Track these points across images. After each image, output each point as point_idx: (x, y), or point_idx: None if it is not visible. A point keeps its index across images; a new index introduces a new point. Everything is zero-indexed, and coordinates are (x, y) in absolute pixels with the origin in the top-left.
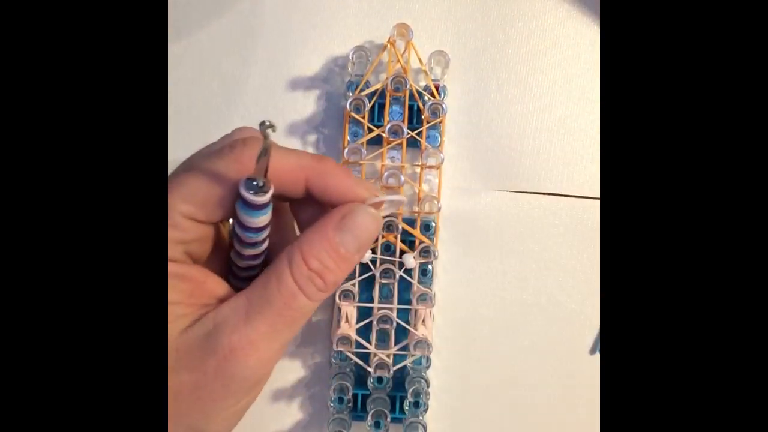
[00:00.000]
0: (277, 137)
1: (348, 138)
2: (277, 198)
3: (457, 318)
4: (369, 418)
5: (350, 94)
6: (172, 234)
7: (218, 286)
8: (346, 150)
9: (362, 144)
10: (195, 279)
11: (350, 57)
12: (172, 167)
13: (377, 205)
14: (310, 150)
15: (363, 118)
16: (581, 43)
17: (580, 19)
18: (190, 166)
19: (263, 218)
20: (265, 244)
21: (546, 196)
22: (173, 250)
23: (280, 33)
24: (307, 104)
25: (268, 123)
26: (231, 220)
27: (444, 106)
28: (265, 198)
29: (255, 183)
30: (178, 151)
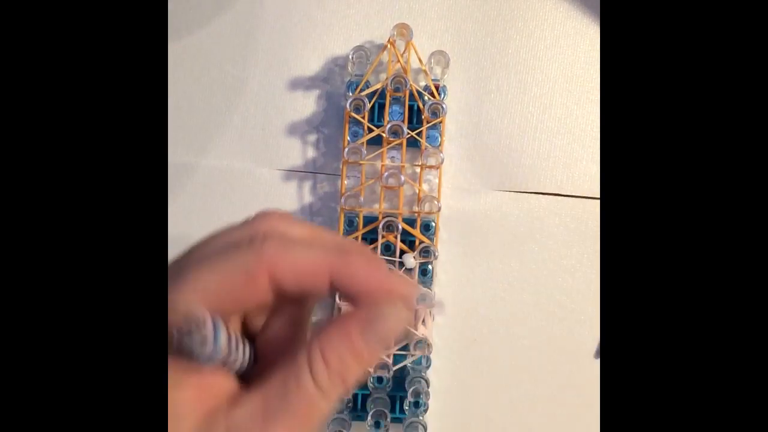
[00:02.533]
0: (277, 137)
1: (348, 138)
2: (297, 296)
3: (457, 318)
4: (369, 418)
5: (350, 94)
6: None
7: (226, 381)
8: (346, 150)
9: (362, 144)
10: (203, 383)
11: (350, 57)
12: (172, 168)
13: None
14: (310, 150)
15: (363, 118)
16: (581, 43)
17: (580, 19)
18: (204, 256)
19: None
20: (239, 362)
21: (546, 196)
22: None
23: (280, 33)
24: (307, 104)
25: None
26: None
27: (444, 106)
28: (210, 351)
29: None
30: (178, 152)
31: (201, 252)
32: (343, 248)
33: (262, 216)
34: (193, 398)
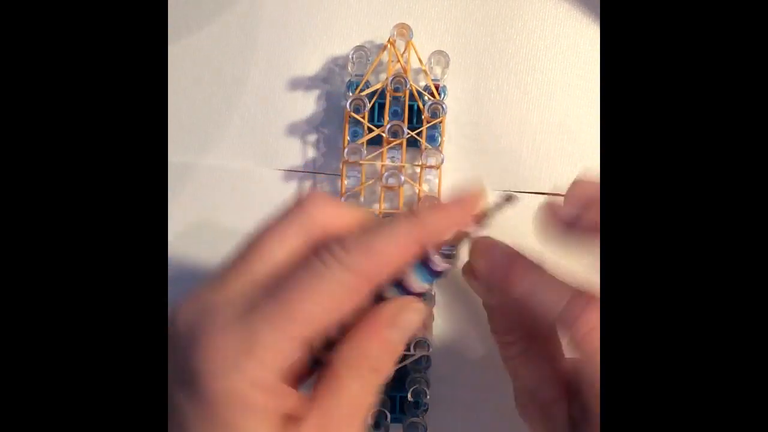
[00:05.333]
0: (277, 137)
1: (348, 138)
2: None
3: (457, 318)
4: (369, 418)
5: (350, 94)
6: (281, 364)
7: (300, 404)
8: (346, 150)
9: (362, 144)
10: (286, 410)
11: (350, 57)
12: (172, 168)
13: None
14: (311, 150)
15: (363, 118)
16: (581, 43)
17: (580, 19)
18: (294, 280)
19: (431, 285)
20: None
21: (546, 196)
22: (275, 380)
23: (279, 33)
24: (307, 104)
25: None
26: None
27: (444, 106)
28: (451, 264)
29: (447, 248)
30: (178, 152)
31: (269, 266)
32: (410, 215)
33: (310, 204)
34: (269, 425)
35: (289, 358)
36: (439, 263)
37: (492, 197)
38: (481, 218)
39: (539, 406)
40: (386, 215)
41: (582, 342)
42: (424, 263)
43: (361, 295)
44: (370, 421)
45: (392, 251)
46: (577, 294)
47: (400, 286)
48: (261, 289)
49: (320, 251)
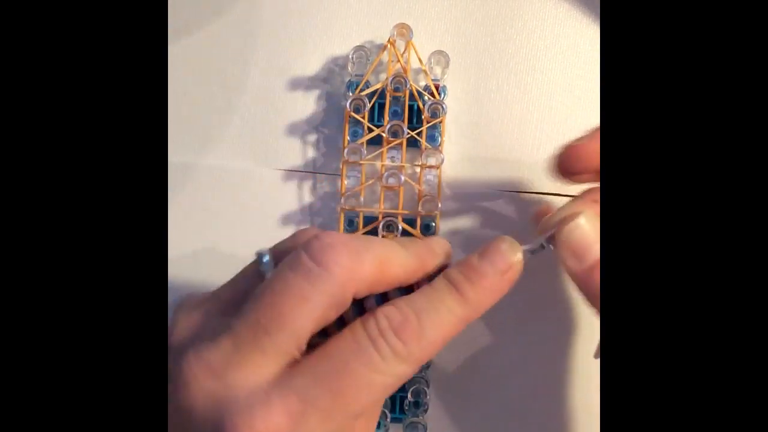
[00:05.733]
0: (277, 137)
1: (348, 138)
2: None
3: None
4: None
5: (350, 94)
6: (291, 349)
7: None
8: (346, 150)
9: (362, 144)
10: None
11: (350, 57)
12: (172, 168)
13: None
14: (310, 150)
15: (363, 118)
16: (581, 43)
17: (580, 19)
18: (348, 370)
19: None
20: None
21: (546, 196)
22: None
23: (279, 33)
24: (307, 104)
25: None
26: None
27: (444, 106)
28: None
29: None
30: (178, 152)
31: (293, 337)
32: (466, 301)
33: (337, 269)
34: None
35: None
36: None
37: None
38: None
39: None
40: (386, 215)
41: None
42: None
43: (345, 303)
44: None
45: (446, 332)
46: None
47: (359, 310)
48: (297, 367)
49: (375, 341)
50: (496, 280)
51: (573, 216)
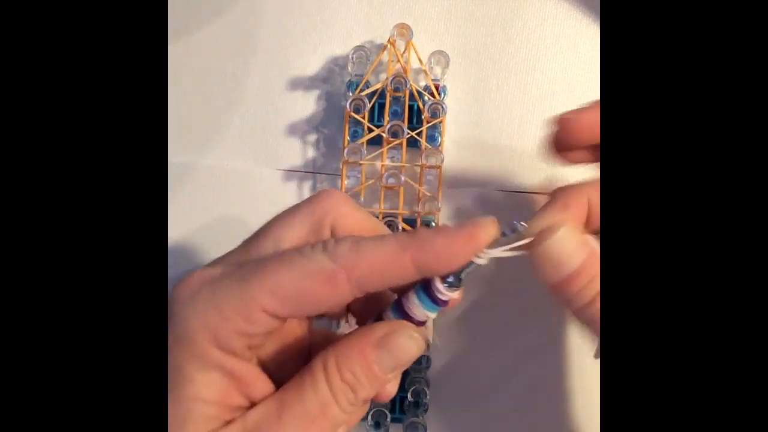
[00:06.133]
0: (277, 137)
1: (348, 138)
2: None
3: (457, 318)
4: (369, 418)
5: (350, 94)
6: (242, 326)
7: (261, 387)
8: (346, 150)
9: (362, 144)
10: (241, 379)
11: (350, 57)
12: (171, 167)
13: (419, 329)
14: (310, 150)
15: (363, 118)
16: (581, 43)
17: (580, 19)
18: (278, 252)
19: (434, 314)
20: None
21: (546, 196)
22: (236, 342)
23: (280, 33)
24: (307, 104)
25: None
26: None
27: (444, 106)
28: (455, 294)
29: (452, 277)
30: (178, 152)
31: (270, 244)
32: (412, 233)
33: (325, 197)
34: (222, 387)
35: (252, 325)
36: (441, 291)
37: (500, 229)
38: (486, 249)
39: None
40: (386, 215)
41: None
42: (427, 289)
43: (335, 287)
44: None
45: (379, 255)
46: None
47: (401, 310)
48: (254, 260)
49: (316, 242)
50: (457, 233)
51: (553, 229)
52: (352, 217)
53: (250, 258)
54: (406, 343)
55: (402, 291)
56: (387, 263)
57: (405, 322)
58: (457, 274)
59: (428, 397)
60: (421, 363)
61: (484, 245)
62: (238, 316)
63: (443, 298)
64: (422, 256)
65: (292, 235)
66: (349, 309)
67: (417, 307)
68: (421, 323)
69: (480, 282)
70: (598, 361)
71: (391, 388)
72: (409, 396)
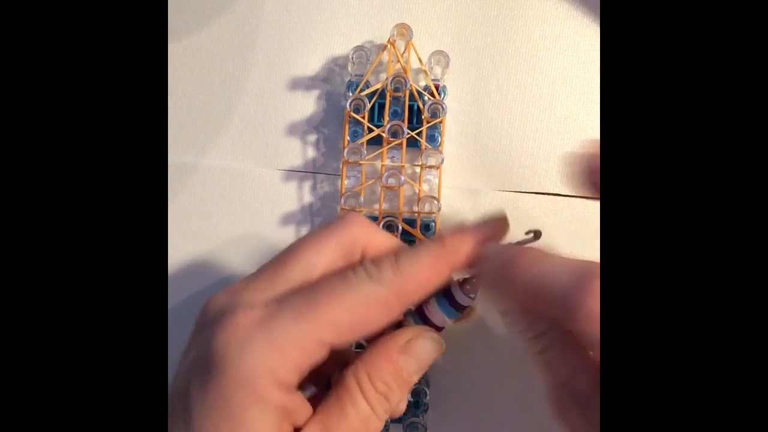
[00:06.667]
0: (277, 137)
1: (348, 138)
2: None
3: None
4: None
5: (350, 94)
6: (301, 361)
7: (303, 411)
8: (346, 150)
9: (362, 144)
10: (292, 411)
11: (350, 57)
12: (171, 168)
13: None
14: (310, 150)
15: (363, 118)
16: (581, 43)
17: (580, 19)
18: (327, 285)
19: (452, 321)
20: None
21: (546, 196)
22: (294, 378)
23: (279, 33)
24: (307, 104)
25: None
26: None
27: (444, 106)
28: (472, 300)
29: (470, 285)
30: (178, 152)
31: (306, 269)
32: (439, 241)
33: (352, 222)
34: (277, 424)
35: (309, 358)
36: (462, 297)
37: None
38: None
39: (576, 399)
40: (386, 215)
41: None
42: (447, 296)
43: (388, 310)
44: None
45: (420, 270)
46: (582, 268)
47: (421, 316)
48: (293, 289)
49: (354, 265)
50: (477, 230)
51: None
52: (379, 240)
53: (282, 284)
54: (429, 346)
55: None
56: (428, 276)
57: (424, 327)
58: (473, 281)
59: (428, 397)
60: None
61: (501, 238)
62: (298, 352)
63: (464, 303)
64: (453, 258)
65: (324, 259)
66: None
67: (438, 313)
68: (439, 329)
69: None
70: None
71: (403, 405)
72: (409, 396)
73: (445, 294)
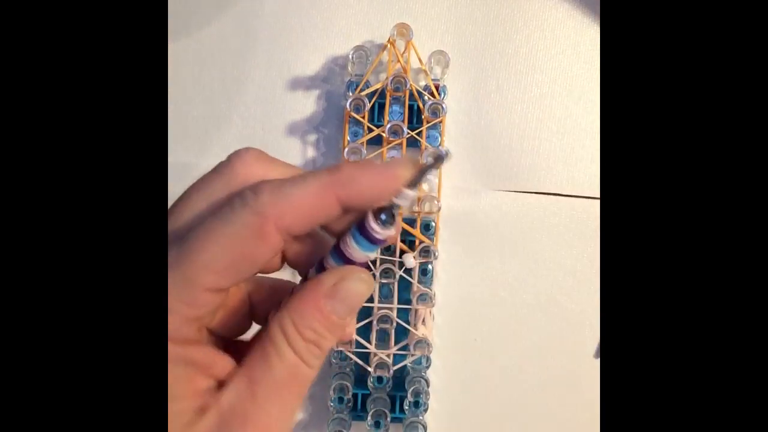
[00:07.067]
0: (277, 137)
1: (348, 138)
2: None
3: (457, 318)
4: (369, 418)
5: (350, 94)
6: (189, 312)
7: (222, 364)
8: (346, 150)
9: (362, 144)
10: (201, 363)
11: (350, 57)
12: (172, 168)
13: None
14: (310, 150)
15: (363, 118)
16: (581, 43)
17: (580, 19)
18: (199, 224)
19: (373, 254)
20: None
21: (546, 196)
22: (187, 330)
23: (280, 33)
24: (307, 104)
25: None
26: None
27: (444, 106)
28: (390, 231)
29: (385, 215)
30: (178, 152)
31: (190, 218)
32: (334, 169)
33: (237, 159)
34: (186, 378)
35: (198, 308)
36: (377, 230)
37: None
38: (412, 181)
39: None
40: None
41: None
42: (362, 230)
43: (267, 242)
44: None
45: (303, 195)
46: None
47: (340, 255)
48: (175, 239)
49: (232, 198)
50: (379, 167)
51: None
52: (269, 171)
53: (171, 235)
54: (357, 287)
55: (340, 235)
56: (312, 204)
57: (351, 267)
58: (389, 211)
59: (428, 397)
60: (421, 363)
61: (403, 181)
62: (181, 304)
63: (379, 237)
64: (346, 192)
65: (206, 202)
66: (285, 259)
67: (355, 249)
68: (363, 265)
69: (480, 281)
70: (598, 360)
71: (351, 329)
72: (409, 396)
73: (360, 228)
